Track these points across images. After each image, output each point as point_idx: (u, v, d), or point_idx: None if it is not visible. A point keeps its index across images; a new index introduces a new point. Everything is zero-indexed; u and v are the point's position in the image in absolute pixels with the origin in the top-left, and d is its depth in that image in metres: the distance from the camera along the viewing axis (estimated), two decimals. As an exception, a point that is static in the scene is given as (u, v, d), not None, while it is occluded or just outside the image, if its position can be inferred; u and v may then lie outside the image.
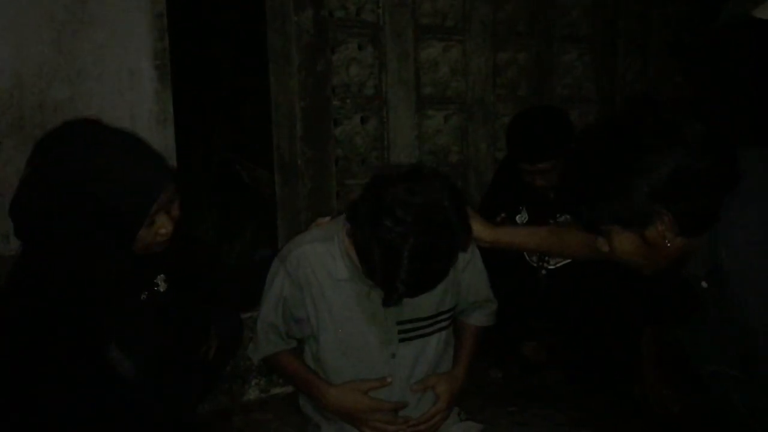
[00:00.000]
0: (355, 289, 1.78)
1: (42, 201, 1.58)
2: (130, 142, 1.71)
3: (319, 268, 1.78)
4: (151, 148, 1.79)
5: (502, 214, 2.65)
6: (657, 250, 1.41)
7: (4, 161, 2.16)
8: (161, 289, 1.80)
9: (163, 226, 1.67)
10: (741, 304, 1.36)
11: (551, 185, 2.57)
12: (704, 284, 1.45)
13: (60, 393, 1.62)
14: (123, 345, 1.67)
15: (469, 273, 1.92)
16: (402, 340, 1.82)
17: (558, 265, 2.65)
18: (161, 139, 2.39)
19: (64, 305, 1.59)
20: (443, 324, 1.88)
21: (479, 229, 1.94)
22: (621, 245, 1.45)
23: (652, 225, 1.38)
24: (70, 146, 1.62)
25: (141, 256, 1.70)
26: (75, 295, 1.59)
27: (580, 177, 1.47)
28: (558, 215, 2.61)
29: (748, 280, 1.35)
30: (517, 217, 2.71)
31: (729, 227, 1.35)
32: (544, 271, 2.68)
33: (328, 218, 1.98)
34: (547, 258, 2.66)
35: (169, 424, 1.91)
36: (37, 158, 1.65)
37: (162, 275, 1.80)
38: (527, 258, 2.72)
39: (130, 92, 2.33)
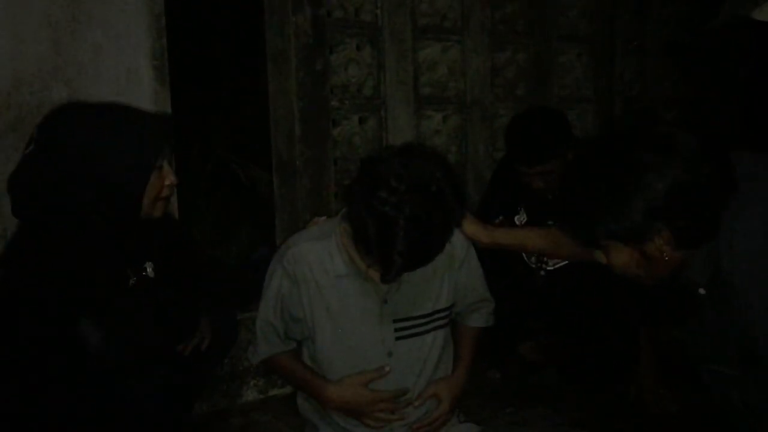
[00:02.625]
0: (352, 286, 1.78)
1: (43, 175, 1.61)
2: (124, 108, 1.83)
3: (316, 266, 1.78)
4: (144, 110, 1.87)
5: (500, 217, 2.64)
6: (656, 264, 1.41)
7: (2, 161, 2.15)
8: (150, 275, 1.81)
9: (168, 176, 1.72)
10: (743, 307, 1.36)
11: (550, 186, 2.57)
12: (702, 291, 1.45)
13: (57, 392, 1.62)
14: (96, 320, 1.65)
15: (466, 272, 1.92)
16: (398, 339, 1.82)
17: (556, 265, 2.65)
18: (159, 138, 2.38)
19: (55, 282, 1.59)
20: (440, 323, 1.88)
21: (476, 230, 1.94)
22: (619, 260, 1.45)
23: (650, 241, 1.38)
24: (67, 122, 1.67)
25: (132, 240, 1.72)
26: (67, 270, 1.59)
27: (577, 195, 1.46)
28: (557, 215, 2.61)
29: (751, 284, 1.35)
30: (516, 218, 2.71)
31: (730, 233, 1.35)
32: (542, 272, 2.68)
33: (324, 217, 1.98)
34: (545, 259, 2.66)
35: (165, 422, 1.91)
36: (35, 140, 1.67)
37: (150, 263, 1.81)
38: (525, 259, 2.72)
39: (129, 92, 2.33)
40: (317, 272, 1.78)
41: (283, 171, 2.80)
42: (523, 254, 2.72)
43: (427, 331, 1.85)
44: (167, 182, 1.72)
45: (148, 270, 1.82)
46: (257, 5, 2.79)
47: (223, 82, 4.24)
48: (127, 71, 2.33)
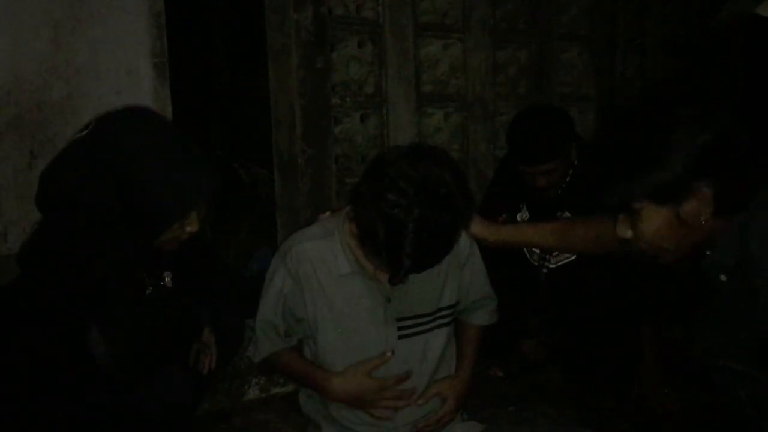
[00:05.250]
0: (355, 286, 1.77)
1: (82, 165, 1.58)
2: (183, 141, 1.73)
3: (319, 265, 1.77)
4: (201, 152, 1.79)
5: (504, 215, 2.63)
6: (689, 229, 1.35)
7: (2, 159, 2.15)
8: (168, 285, 1.79)
9: (192, 224, 1.70)
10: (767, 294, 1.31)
11: (552, 185, 2.56)
12: (723, 277, 1.40)
13: (63, 395, 1.61)
14: (103, 331, 1.64)
15: (470, 269, 1.91)
16: (401, 337, 1.81)
17: (559, 263, 2.64)
18: (160, 137, 2.37)
19: (69, 287, 1.57)
20: (443, 321, 1.87)
21: (481, 229, 1.92)
22: (652, 224, 1.37)
23: (688, 201, 1.32)
24: (133, 126, 1.64)
25: (152, 251, 1.70)
26: (82, 275, 1.58)
27: (613, 150, 1.41)
28: (559, 213, 2.60)
29: None
30: (518, 216, 2.70)
31: (760, 217, 1.30)
32: (545, 270, 2.67)
33: (328, 213, 1.96)
34: (548, 257, 2.65)
35: (163, 425, 1.90)
36: (91, 128, 1.64)
37: (170, 273, 1.80)
38: (528, 256, 2.71)
39: (129, 90, 2.32)
40: (320, 271, 1.77)
41: (284, 169, 2.80)
42: (526, 252, 2.71)
43: (431, 330, 1.84)
44: (188, 228, 1.71)
45: (166, 280, 1.81)
46: (258, 3, 2.78)
47: (223, 81, 4.24)
48: (127, 69, 2.33)
